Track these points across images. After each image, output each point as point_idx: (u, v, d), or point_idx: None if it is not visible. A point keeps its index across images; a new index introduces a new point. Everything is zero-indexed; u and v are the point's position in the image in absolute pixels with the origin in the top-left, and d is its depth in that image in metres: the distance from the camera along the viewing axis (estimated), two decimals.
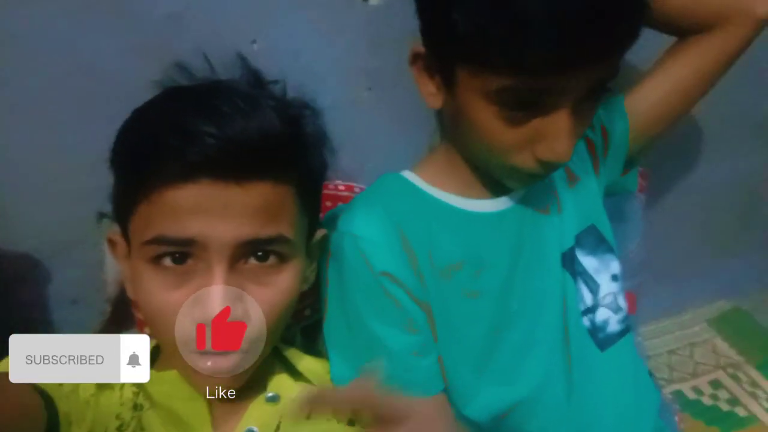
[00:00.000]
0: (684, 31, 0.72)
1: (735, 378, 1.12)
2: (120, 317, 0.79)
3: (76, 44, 0.67)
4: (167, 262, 0.53)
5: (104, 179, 0.69)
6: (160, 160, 0.50)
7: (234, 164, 0.50)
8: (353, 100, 0.77)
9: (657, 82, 0.75)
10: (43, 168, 0.72)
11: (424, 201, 0.71)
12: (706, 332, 1.22)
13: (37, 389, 0.49)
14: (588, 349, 0.72)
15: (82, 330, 0.81)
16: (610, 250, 0.76)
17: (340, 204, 0.78)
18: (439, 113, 0.71)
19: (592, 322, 0.73)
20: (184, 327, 0.53)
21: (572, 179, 0.76)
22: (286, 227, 0.56)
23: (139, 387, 0.60)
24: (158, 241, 0.52)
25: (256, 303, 0.55)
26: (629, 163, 0.80)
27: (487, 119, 0.59)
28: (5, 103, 0.68)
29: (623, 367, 0.74)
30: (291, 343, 0.72)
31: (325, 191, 0.77)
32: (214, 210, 0.51)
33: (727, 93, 1.00)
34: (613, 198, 0.83)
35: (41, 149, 0.71)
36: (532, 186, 0.73)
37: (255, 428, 0.59)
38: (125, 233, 0.58)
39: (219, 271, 0.52)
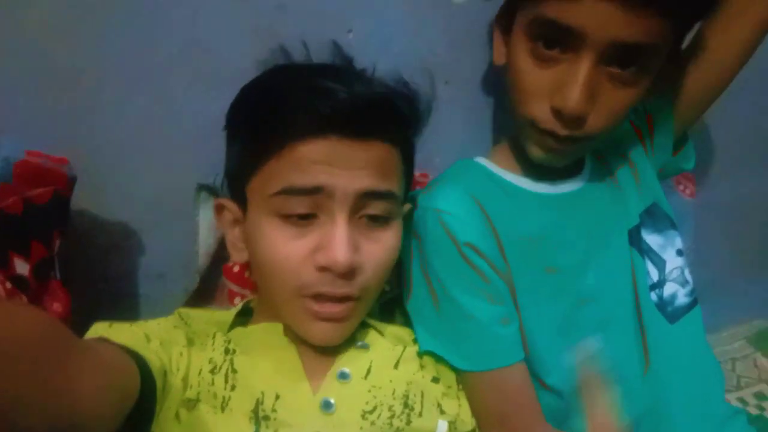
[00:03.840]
0: None
1: None
2: (206, 291, 0.82)
3: (194, 23, 0.74)
4: (293, 217, 0.58)
5: (204, 155, 0.76)
6: (292, 116, 0.56)
7: (359, 120, 0.57)
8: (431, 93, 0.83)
9: (696, 58, 0.75)
10: (147, 141, 0.77)
11: (499, 184, 0.76)
12: (746, 349, 1.23)
13: (126, 350, 0.51)
14: (658, 323, 0.75)
15: (166, 305, 0.83)
16: (672, 225, 0.81)
17: (417, 188, 0.83)
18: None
19: (660, 297, 0.77)
20: (307, 272, 0.58)
21: (629, 163, 0.82)
22: (396, 185, 0.62)
23: (230, 337, 0.63)
24: (287, 191, 0.57)
25: (368, 256, 0.60)
26: (680, 142, 0.84)
27: (522, 58, 0.66)
28: (118, 73, 0.73)
29: (693, 340, 0.77)
30: (372, 316, 0.75)
31: None
32: (339, 163, 0.57)
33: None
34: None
35: (146, 122, 0.76)
36: (593, 171, 0.79)
37: (347, 370, 0.62)
38: (241, 195, 0.62)
39: (342, 220, 0.57)
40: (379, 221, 0.61)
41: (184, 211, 0.79)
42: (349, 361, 0.63)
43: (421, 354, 0.69)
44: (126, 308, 0.82)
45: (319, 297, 0.59)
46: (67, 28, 0.70)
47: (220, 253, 0.80)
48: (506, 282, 0.71)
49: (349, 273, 0.58)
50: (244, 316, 0.71)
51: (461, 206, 0.71)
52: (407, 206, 0.70)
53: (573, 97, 0.62)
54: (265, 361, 0.61)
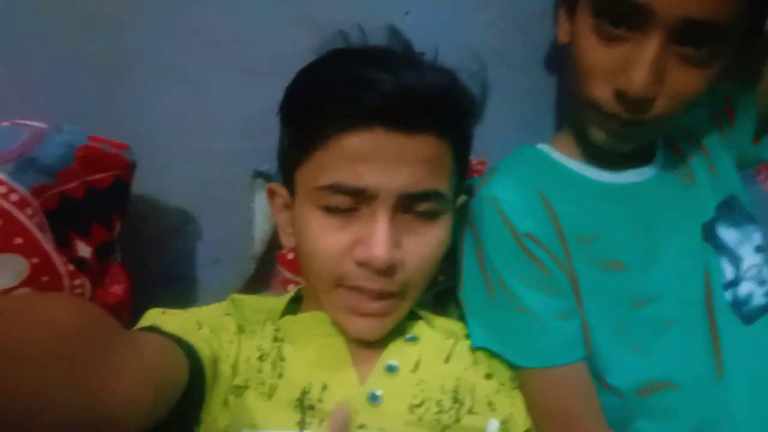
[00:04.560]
0: None
1: None
2: (261, 277, 0.82)
3: (239, 12, 0.73)
4: (337, 210, 0.57)
5: (258, 142, 0.75)
6: (338, 107, 0.55)
7: (406, 112, 0.55)
8: (491, 78, 0.80)
9: None
10: (204, 128, 0.78)
11: (562, 172, 0.73)
12: None
13: (175, 339, 0.52)
14: (732, 324, 0.70)
15: (222, 290, 0.85)
16: (752, 220, 0.75)
17: (474, 176, 0.81)
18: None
19: (735, 296, 0.72)
20: (346, 265, 0.58)
21: (704, 152, 0.77)
22: (443, 183, 0.60)
23: (279, 325, 0.63)
24: (334, 188, 0.56)
25: (410, 252, 0.59)
26: (762, 129, 0.78)
27: (586, 36, 0.62)
28: (172, 65, 0.74)
29: None
30: (424, 307, 0.74)
31: None
32: (385, 159, 0.55)
33: None
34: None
35: (204, 111, 0.77)
36: (665, 160, 0.74)
37: (395, 363, 0.61)
38: (290, 183, 0.62)
39: (383, 216, 0.56)
40: (424, 216, 0.60)
41: (240, 197, 0.80)
42: (397, 354, 0.62)
43: (474, 349, 0.67)
44: (182, 292, 0.84)
45: (356, 290, 0.59)
46: (119, 15, 0.71)
47: (276, 240, 0.81)
48: (567, 274, 0.67)
49: (387, 270, 0.57)
50: (297, 303, 0.71)
51: (520, 195, 0.69)
52: (461, 198, 0.68)
53: (639, 78, 0.58)
54: (313, 350, 0.61)
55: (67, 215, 0.62)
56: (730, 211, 0.75)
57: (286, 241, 0.67)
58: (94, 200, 0.64)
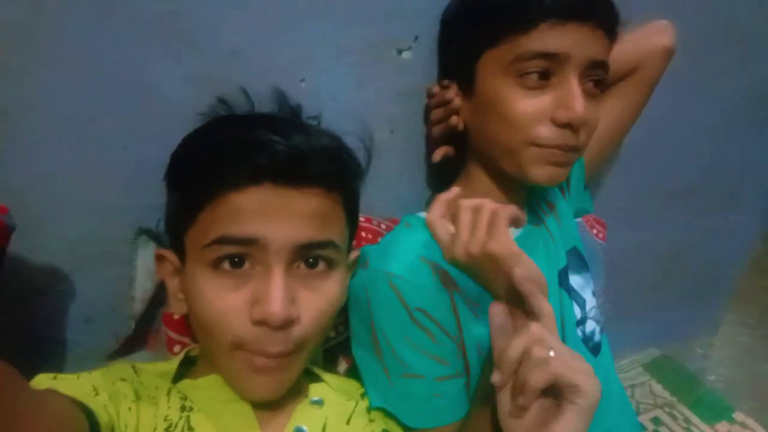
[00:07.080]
0: (616, 79, 0.89)
1: (672, 416, 1.25)
2: (138, 336, 0.79)
3: (140, 68, 0.71)
4: (226, 265, 0.57)
5: (142, 197, 0.74)
6: (228, 167, 0.56)
7: (296, 169, 0.57)
8: (377, 141, 0.85)
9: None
10: (84, 181, 0.73)
11: None
12: (642, 376, 1.35)
13: (75, 402, 0.50)
14: (586, 358, 0.81)
15: (94, 351, 0.79)
16: (587, 268, 0.88)
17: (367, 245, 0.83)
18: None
19: (583, 333, 0.84)
20: (243, 326, 0.57)
21: (552, 210, 0.89)
22: (336, 234, 0.61)
23: (185, 393, 0.62)
24: (220, 241, 0.56)
25: (306, 307, 0.59)
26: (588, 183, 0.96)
27: (509, 93, 0.70)
28: (57, 115, 0.70)
29: (612, 372, 0.84)
30: (315, 363, 0.76)
31: None
32: (275, 212, 0.56)
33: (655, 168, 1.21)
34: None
35: (85, 163, 0.73)
36: (529, 220, 0.84)
37: (304, 427, 0.62)
38: (180, 247, 0.61)
39: (278, 271, 0.57)
40: (319, 270, 0.60)
41: (116, 254, 0.76)
42: (305, 418, 0.63)
43: (370, 409, 0.70)
44: (51, 354, 0.77)
45: (256, 353, 0.58)
46: None
47: (158, 298, 0.78)
48: (457, 343, 0.72)
49: (284, 326, 0.56)
50: (187, 366, 0.69)
51: (413, 271, 0.72)
52: (354, 254, 0.70)
53: (579, 106, 0.68)
54: (221, 417, 0.60)
55: None
56: (574, 260, 0.87)
57: (177, 308, 0.64)
58: None
